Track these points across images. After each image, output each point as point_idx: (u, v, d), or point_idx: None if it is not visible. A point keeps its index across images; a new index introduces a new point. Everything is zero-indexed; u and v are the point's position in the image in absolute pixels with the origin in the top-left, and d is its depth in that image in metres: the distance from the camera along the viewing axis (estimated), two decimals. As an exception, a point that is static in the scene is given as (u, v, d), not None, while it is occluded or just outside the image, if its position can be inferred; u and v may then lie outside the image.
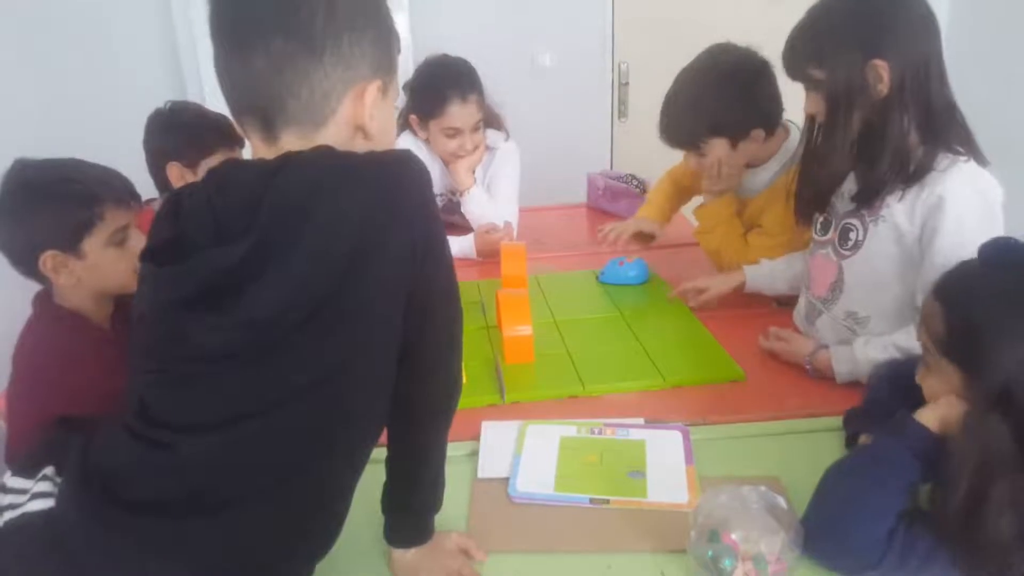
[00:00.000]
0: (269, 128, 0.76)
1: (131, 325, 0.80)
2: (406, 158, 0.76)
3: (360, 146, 0.79)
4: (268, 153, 0.76)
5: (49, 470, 0.83)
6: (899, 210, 1.19)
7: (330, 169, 0.72)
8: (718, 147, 1.58)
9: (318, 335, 0.71)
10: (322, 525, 0.83)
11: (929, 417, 0.89)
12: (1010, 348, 0.81)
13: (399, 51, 0.82)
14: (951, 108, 1.18)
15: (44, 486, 0.80)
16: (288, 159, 0.72)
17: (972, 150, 1.17)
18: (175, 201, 0.78)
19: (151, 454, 0.75)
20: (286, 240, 0.69)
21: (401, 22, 2.84)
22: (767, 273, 1.56)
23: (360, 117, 0.78)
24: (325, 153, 0.73)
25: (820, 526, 0.88)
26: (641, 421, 1.19)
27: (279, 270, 0.69)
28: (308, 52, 0.73)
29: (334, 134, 0.77)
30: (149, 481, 0.75)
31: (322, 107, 0.76)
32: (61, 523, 0.77)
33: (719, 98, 1.53)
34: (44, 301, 1.13)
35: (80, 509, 0.76)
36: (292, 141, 0.76)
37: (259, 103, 0.75)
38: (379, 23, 0.79)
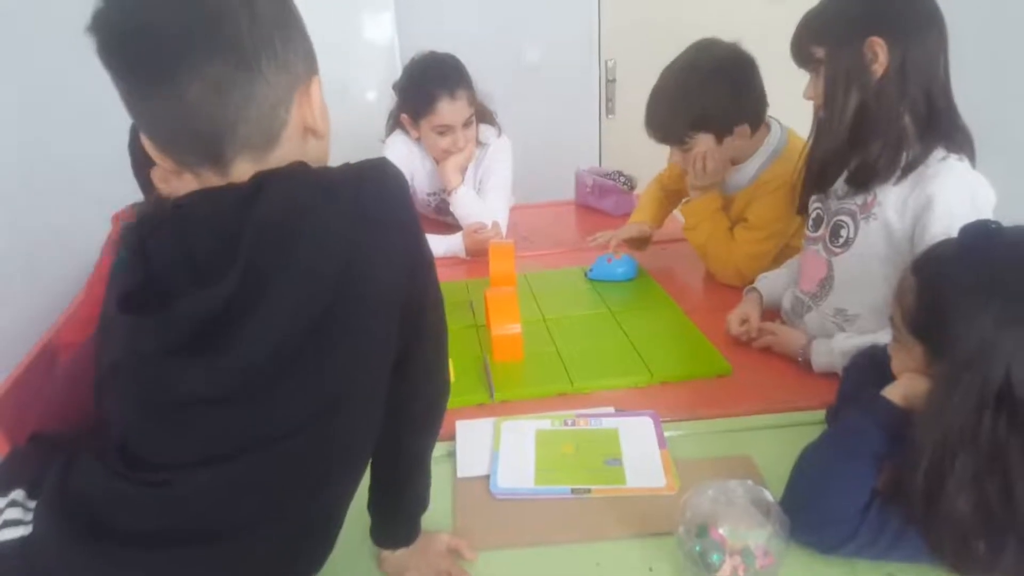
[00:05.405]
0: (218, 159, 0.70)
1: (100, 374, 0.74)
2: (383, 168, 0.72)
3: (312, 149, 0.75)
4: (223, 182, 0.70)
5: (19, 494, 0.76)
6: (890, 208, 1.19)
7: (310, 186, 0.69)
8: (703, 142, 1.58)
9: (315, 361, 0.69)
10: (319, 545, 0.81)
11: (894, 393, 0.92)
12: (973, 331, 0.82)
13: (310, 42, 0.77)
14: (952, 109, 1.18)
15: (15, 513, 0.74)
16: (263, 180, 0.67)
17: (969, 153, 1.16)
18: (137, 241, 0.70)
19: (141, 490, 0.71)
20: (276, 264, 0.65)
21: (387, 21, 2.83)
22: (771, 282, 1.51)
23: (309, 119, 0.73)
24: (300, 171, 0.70)
25: (795, 500, 0.89)
26: (611, 410, 1.21)
27: (271, 300, 0.65)
28: (245, 66, 0.66)
29: (287, 145, 0.72)
30: (139, 515, 0.71)
31: (272, 121, 0.70)
32: (41, 554, 0.72)
33: (705, 93, 1.53)
34: None
35: (62, 539, 0.71)
36: (246, 166, 0.70)
37: (203, 136, 0.68)
38: (296, 15, 0.73)
